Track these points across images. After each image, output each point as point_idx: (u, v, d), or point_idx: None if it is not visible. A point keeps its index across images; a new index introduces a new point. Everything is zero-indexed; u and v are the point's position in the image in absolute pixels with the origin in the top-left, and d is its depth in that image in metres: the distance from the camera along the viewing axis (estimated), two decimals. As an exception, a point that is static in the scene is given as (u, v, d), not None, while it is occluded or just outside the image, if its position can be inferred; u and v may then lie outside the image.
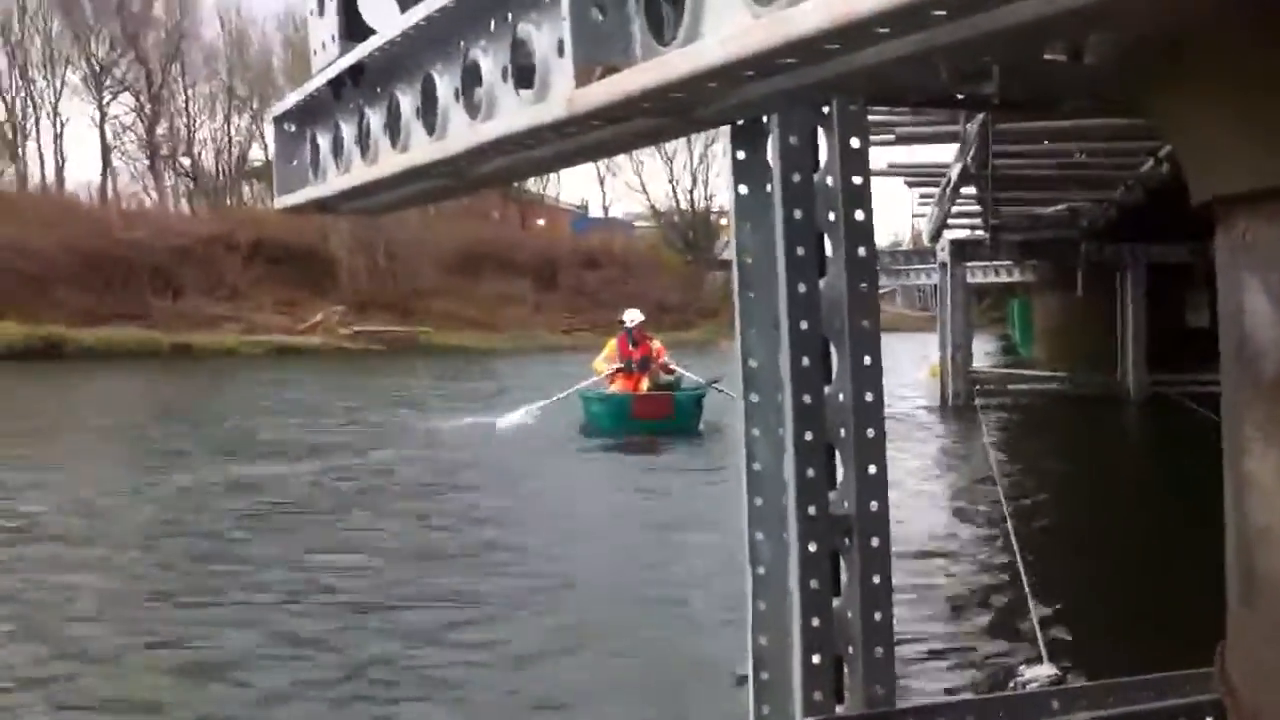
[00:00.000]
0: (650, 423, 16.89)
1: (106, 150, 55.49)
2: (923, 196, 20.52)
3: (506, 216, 62.75)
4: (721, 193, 65.13)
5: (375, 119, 2.48)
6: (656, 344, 18.63)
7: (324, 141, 2.82)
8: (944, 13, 0.99)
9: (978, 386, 22.15)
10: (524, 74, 1.85)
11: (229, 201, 56.90)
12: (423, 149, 2.24)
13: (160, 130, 56.69)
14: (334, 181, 2.76)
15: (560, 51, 1.66)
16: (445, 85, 2.14)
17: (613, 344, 18.55)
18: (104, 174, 55.36)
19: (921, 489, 12.50)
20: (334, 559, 9.24)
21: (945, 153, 15.83)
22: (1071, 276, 21.70)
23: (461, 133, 2.06)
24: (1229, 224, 2.30)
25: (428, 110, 2.21)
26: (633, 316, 18.52)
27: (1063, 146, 12.22)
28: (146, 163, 56.85)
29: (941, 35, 1.09)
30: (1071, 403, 21.96)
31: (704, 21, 1.36)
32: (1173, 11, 1.07)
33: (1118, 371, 22.11)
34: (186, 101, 57.70)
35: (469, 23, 1.99)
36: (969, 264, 22.29)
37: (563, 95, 1.58)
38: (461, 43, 2.05)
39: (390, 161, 2.39)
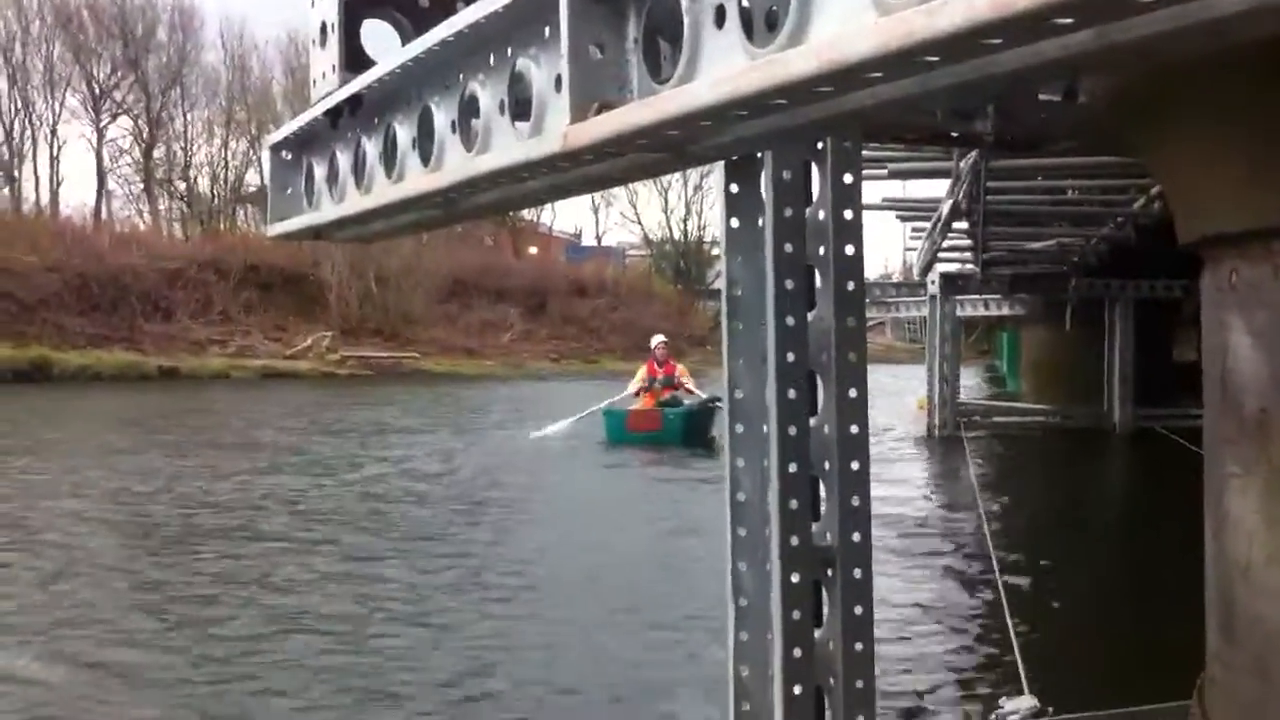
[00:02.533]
0: (642, 434, 19.66)
1: (102, 173, 55.64)
2: (915, 230, 20.64)
3: (499, 244, 62.91)
4: (715, 224, 65.36)
5: (371, 149, 2.51)
6: (680, 367, 21.48)
7: (319, 170, 2.85)
8: (934, 59, 1.01)
9: (965, 418, 22.23)
10: (521, 107, 1.88)
11: (222, 226, 56.93)
12: (418, 179, 2.26)
13: (157, 154, 56.84)
14: (328, 210, 2.79)
15: (558, 87, 1.69)
16: (442, 117, 2.17)
17: (643, 367, 21.44)
18: (99, 197, 55.50)
19: (903, 514, 12.55)
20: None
21: (938, 188, 15.99)
22: (1061, 310, 21.83)
23: (457, 164, 2.09)
24: (1215, 264, 2.34)
25: (424, 141, 2.24)
26: (657, 341, 21.87)
27: (1054, 183, 12.32)
28: (141, 186, 56.93)
29: (933, 79, 1.12)
30: (1058, 435, 22.04)
31: (700, 62, 1.39)
32: (1160, 57, 1.10)
33: (1105, 405, 22.22)
34: (185, 126, 57.91)
35: (468, 56, 2.02)
36: (959, 297, 22.41)
37: (558, 130, 1.60)
38: (460, 75, 2.08)
39: (385, 191, 2.42)
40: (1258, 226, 2.09)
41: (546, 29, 1.73)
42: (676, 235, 68.54)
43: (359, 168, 2.56)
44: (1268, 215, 2.03)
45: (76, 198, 65.62)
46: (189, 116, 57.94)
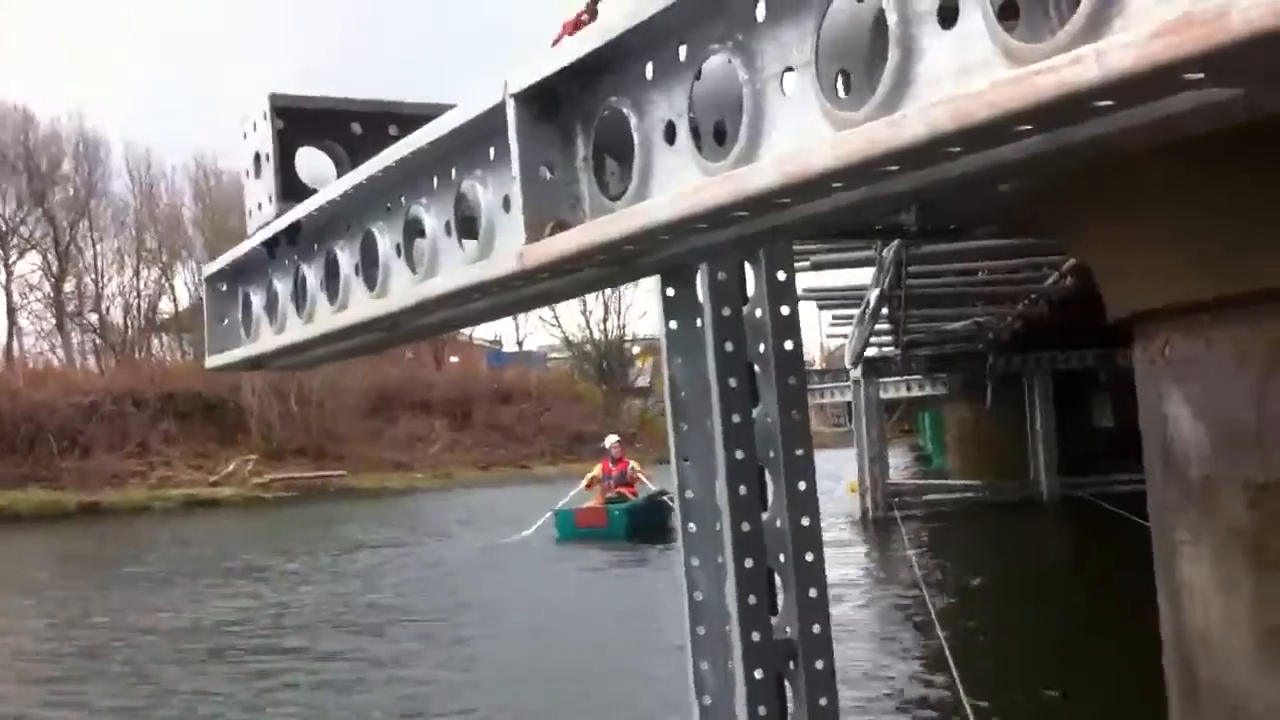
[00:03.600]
0: (589, 530, 20.87)
1: (13, 310, 54.60)
2: (835, 318, 20.95)
3: (420, 356, 62.60)
4: (634, 323, 65.66)
5: (312, 276, 2.49)
6: (633, 464, 23.27)
7: (257, 300, 2.83)
8: (895, 168, 1.04)
9: (896, 499, 22.39)
10: (467, 225, 1.89)
11: (138, 356, 56.05)
12: (363, 306, 2.25)
13: (67, 287, 55.93)
14: (267, 340, 2.76)
15: (506, 207, 1.71)
16: (386, 241, 2.17)
17: (599, 466, 23.25)
18: (10, 334, 54.38)
19: (850, 597, 12.60)
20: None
21: (854, 275, 16.30)
22: (980, 387, 22.18)
23: (404, 288, 2.09)
24: (1147, 337, 2.39)
25: (368, 267, 2.23)
26: (612, 441, 23.84)
27: (970, 265, 12.61)
28: (53, 321, 55.95)
29: (889, 185, 1.15)
30: (987, 510, 22.27)
31: (653, 178, 1.42)
32: (1113, 152, 1.14)
33: (1031, 476, 22.52)
34: (95, 257, 57.11)
35: (411, 180, 2.03)
36: (881, 379, 22.71)
37: (513, 250, 1.62)
38: (403, 199, 2.09)
39: (328, 319, 2.40)
40: (1189, 300, 2.15)
41: (492, 150, 1.76)
42: (597, 336, 68.72)
43: (299, 296, 2.55)
44: (1198, 290, 2.09)
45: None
46: (99, 247, 57.17)
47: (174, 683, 10.61)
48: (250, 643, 12.67)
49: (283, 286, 2.65)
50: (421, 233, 2.05)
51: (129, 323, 57.56)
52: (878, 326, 19.41)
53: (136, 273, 57.69)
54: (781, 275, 3.00)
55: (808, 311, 22.97)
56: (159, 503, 41.35)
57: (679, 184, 1.33)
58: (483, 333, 72.48)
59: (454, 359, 65.56)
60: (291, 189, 2.45)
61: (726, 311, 2.98)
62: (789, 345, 3.02)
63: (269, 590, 17.00)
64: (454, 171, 1.90)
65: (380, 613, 14.31)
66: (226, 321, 2.98)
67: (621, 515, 21.10)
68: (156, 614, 14.93)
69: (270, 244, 2.58)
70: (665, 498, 19.00)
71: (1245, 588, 2.14)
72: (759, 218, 1.31)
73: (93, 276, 56.90)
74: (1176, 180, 2.00)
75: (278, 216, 2.46)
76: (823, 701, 3.07)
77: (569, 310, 67.41)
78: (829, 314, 22.26)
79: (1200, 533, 2.33)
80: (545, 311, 69.42)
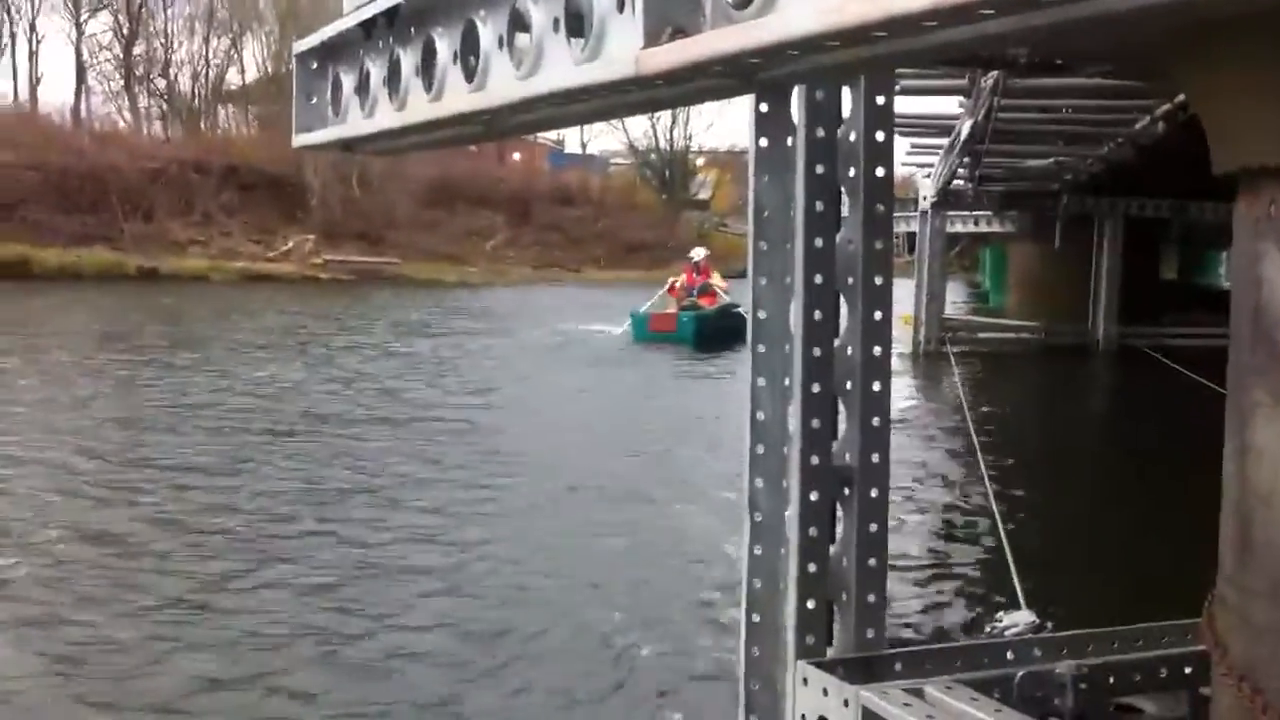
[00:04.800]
0: (659, 334, 22.37)
1: (82, 69, 54.58)
2: (914, 146, 20.51)
3: (483, 150, 62.22)
4: (700, 134, 64.64)
5: (408, 62, 2.42)
6: (716, 275, 24.19)
7: (348, 81, 2.76)
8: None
9: (950, 334, 22.29)
10: (575, 23, 1.83)
11: (204, 125, 56.11)
12: (459, 98, 2.17)
13: (137, 50, 55.74)
14: (356, 123, 2.72)
15: (621, 7, 1.65)
16: (489, 32, 2.09)
17: (684, 274, 24.35)
18: (78, 94, 54.46)
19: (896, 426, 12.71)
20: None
21: (935, 103, 15.92)
22: (1049, 228, 21.81)
23: (505, 84, 2.02)
24: (1253, 195, 2.32)
25: (467, 57, 2.15)
26: (700, 253, 25.09)
27: (1058, 102, 12.24)
28: (121, 83, 55.94)
29: (1039, 17, 1.10)
30: (1042, 352, 22.16)
31: (784, -11, 1.36)
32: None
33: (1089, 322, 22.33)
34: (166, 22, 56.76)
35: (519, -33, 1.96)
36: (950, 213, 22.36)
37: (629, 55, 1.57)
38: (510, -14, 2.01)
39: (422, 109, 2.35)
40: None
41: (610, -57, 1.69)
42: (662, 145, 67.91)
43: (393, 81, 2.49)
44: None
45: (55, 95, 64.15)
46: (170, 12, 56.86)
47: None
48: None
49: (376, 69, 2.59)
50: (526, 27, 1.98)
51: (196, 90, 57.48)
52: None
53: (206, 41, 57.38)
54: (881, 99, 2.93)
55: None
56: (217, 274, 41.94)
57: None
58: (546, 132, 71.93)
59: (517, 155, 65.18)
60: (394, -35, 2.38)
61: (821, 133, 2.92)
62: (880, 172, 2.97)
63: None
64: (567, -37, 1.82)
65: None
66: (315, 100, 2.94)
67: (690, 322, 22.26)
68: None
69: (368, 24, 2.52)
70: (738, 309, 19.85)
71: (1319, 455, 2.13)
72: (899, 39, 1.26)
73: (162, 41, 56.67)
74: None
75: (376, -5, 2.40)
76: (873, 528, 3.12)
77: (636, 116, 66.58)
78: (906, 142, 21.78)
79: (1280, 397, 2.30)
80: (612, 114, 68.49)
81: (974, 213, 22.74)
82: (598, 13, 1.74)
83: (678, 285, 24.11)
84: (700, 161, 69.34)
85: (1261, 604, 2.38)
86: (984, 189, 21.08)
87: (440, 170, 52.92)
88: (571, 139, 72.06)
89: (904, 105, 16.54)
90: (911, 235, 24.00)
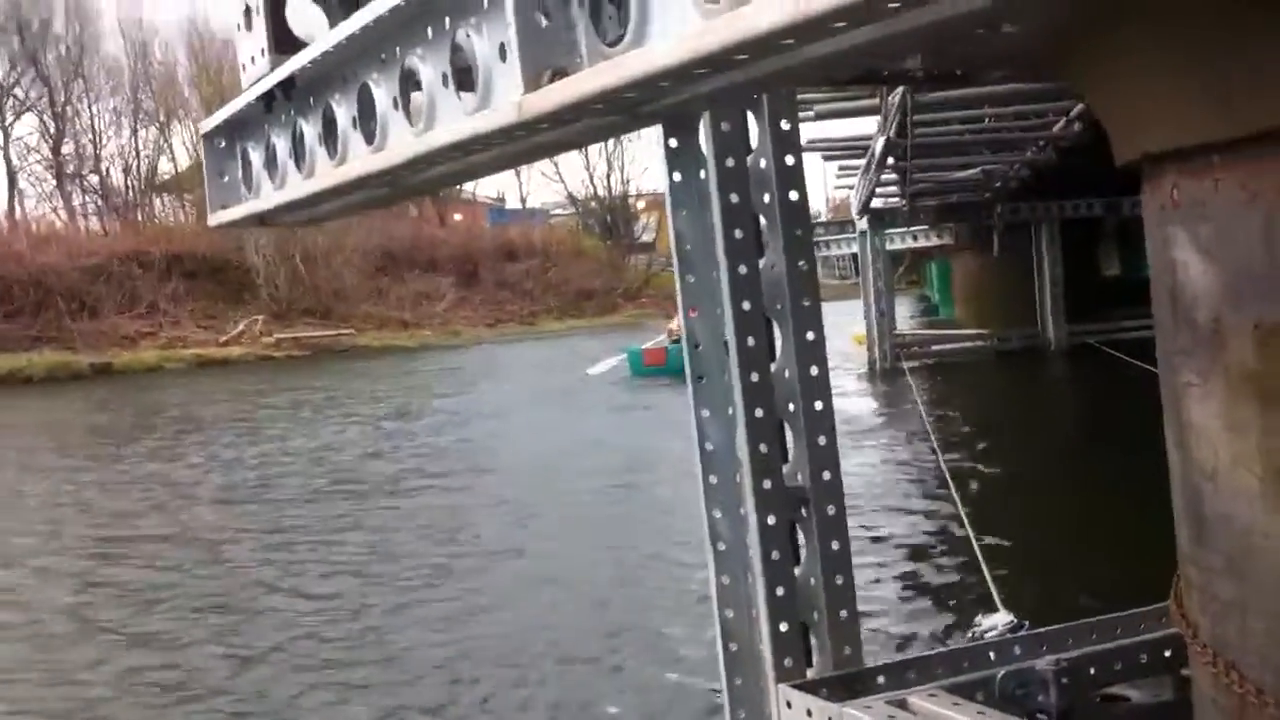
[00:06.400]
0: (652, 369, 24.06)
1: (12, 173, 54.29)
2: (842, 169, 20.73)
3: (423, 214, 62.29)
4: (638, 178, 65.03)
5: (310, 131, 2.45)
6: None
7: (256, 156, 2.79)
8: (897, 5, 1.01)
9: (903, 349, 22.46)
10: (463, 77, 1.84)
11: (140, 217, 55.80)
12: (362, 160, 2.21)
13: (66, 149, 55.52)
14: (269, 196, 2.73)
15: (503, 56, 1.67)
16: (382, 94, 2.12)
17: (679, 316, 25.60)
18: (11, 197, 54.15)
19: (862, 446, 12.73)
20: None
21: (858, 125, 16.12)
22: (987, 237, 22.10)
23: (403, 142, 2.05)
24: (1156, 181, 2.35)
25: (365, 120, 2.19)
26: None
27: (975, 112, 12.44)
28: (54, 183, 55.62)
29: (898, 24, 1.12)
30: (996, 358, 22.38)
31: (651, 23, 1.37)
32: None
33: (1038, 325, 22.57)
34: (92, 118, 56.55)
35: (404, 30, 1.98)
36: (888, 230, 22.59)
37: (512, 100, 1.58)
38: (398, 50, 2.04)
39: (329, 174, 2.37)
40: (1198, 141, 2.10)
41: (485, -2, 1.70)
42: (601, 192, 68.16)
43: (298, 151, 2.51)
44: (1208, 130, 2.05)
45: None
46: (95, 108, 56.63)
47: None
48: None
49: (281, 142, 2.61)
50: (418, 85, 2.00)
51: (129, 184, 57.21)
52: (884, 177, 19.25)
53: (134, 133, 57.21)
54: (785, 125, 2.95)
55: (813, 163, 22.83)
56: (170, 363, 41.55)
57: (679, 27, 1.29)
58: (486, 190, 72.10)
59: (458, 216, 65.25)
60: (284, 41, 2.40)
61: (730, 162, 2.94)
62: (794, 195, 2.99)
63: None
64: (448, 20, 1.84)
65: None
66: (227, 178, 2.95)
67: (677, 354, 23.13)
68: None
69: (266, 98, 2.53)
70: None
71: (1253, 428, 2.15)
72: (762, 60, 1.27)
73: (90, 138, 56.45)
74: (1190, 15, 1.95)
75: (271, 70, 2.41)
76: (835, 545, 3.12)
77: (572, 167, 66.86)
78: (835, 166, 22.05)
79: (1209, 375, 2.32)
80: (548, 167, 68.88)
81: (911, 228, 23.01)
82: (482, 63, 1.77)
83: (673, 326, 24.95)
84: (641, 205, 69.63)
85: (1221, 579, 2.39)
86: (918, 204, 21.34)
87: (383, 238, 52.89)
88: (511, 194, 72.32)
89: (826, 130, 16.73)
90: (855, 256, 24.22)
